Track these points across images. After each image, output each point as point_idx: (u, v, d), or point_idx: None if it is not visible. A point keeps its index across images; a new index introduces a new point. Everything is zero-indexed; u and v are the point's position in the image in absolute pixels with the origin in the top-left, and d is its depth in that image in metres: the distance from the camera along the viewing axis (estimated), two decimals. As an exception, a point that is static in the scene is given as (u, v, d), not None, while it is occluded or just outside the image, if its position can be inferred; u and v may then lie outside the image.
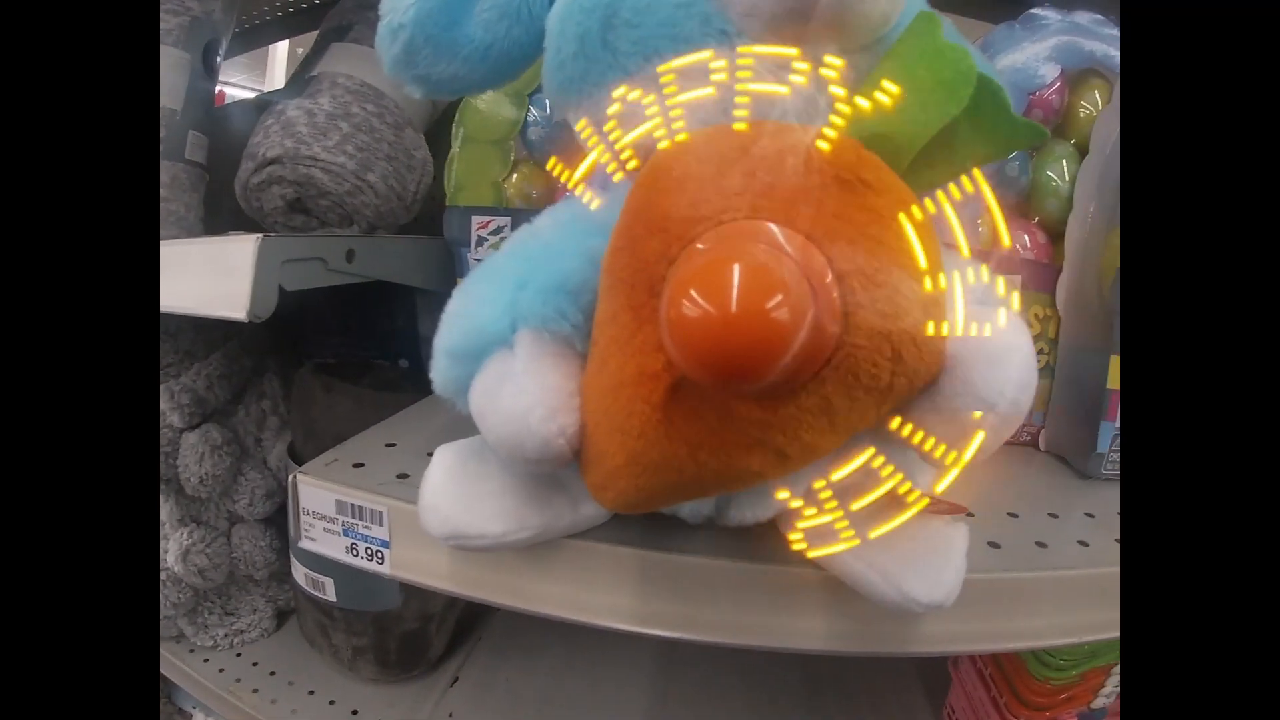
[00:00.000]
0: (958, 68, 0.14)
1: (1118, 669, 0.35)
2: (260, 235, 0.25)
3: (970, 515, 0.26)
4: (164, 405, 0.39)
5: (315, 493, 0.26)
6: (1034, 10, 0.34)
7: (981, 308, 0.16)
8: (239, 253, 0.25)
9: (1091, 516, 0.28)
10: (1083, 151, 0.33)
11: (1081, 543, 0.25)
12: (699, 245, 0.12)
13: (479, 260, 0.35)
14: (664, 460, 0.14)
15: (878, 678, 0.42)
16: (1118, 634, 0.25)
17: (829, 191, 0.12)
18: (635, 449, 0.14)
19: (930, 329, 0.13)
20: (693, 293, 0.10)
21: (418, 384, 0.45)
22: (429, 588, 0.25)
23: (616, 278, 0.14)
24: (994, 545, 0.24)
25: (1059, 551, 0.24)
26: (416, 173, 0.44)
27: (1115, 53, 0.34)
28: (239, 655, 0.46)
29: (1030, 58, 0.33)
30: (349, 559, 0.25)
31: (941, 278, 0.13)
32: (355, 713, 0.41)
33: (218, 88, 0.47)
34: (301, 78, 0.43)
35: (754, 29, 0.17)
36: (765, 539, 0.22)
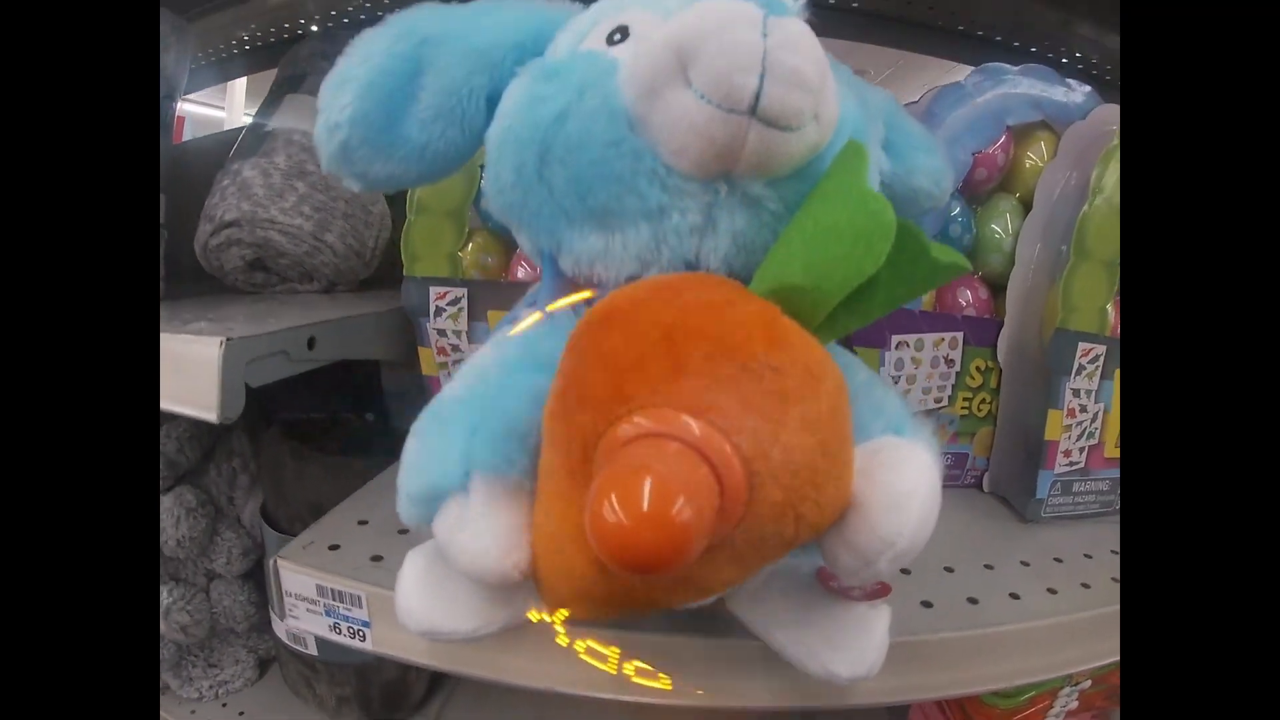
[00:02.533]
0: (878, 220, 0.15)
1: (1064, 692, 0.39)
2: (224, 339, 0.26)
3: (906, 572, 0.29)
4: (134, 471, 0.41)
5: (296, 577, 0.28)
6: (983, 67, 0.36)
7: (894, 445, 0.18)
8: (204, 354, 0.27)
9: (1026, 565, 0.31)
10: (1026, 205, 0.36)
11: (1013, 595, 0.29)
12: (623, 426, 0.14)
13: (439, 330, 0.36)
14: (605, 597, 0.16)
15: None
16: (1045, 677, 0.28)
17: (737, 381, 0.14)
18: (580, 589, 0.16)
19: (835, 488, 0.15)
20: (610, 499, 0.13)
21: (384, 438, 0.47)
22: (411, 663, 0.27)
23: (555, 437, 0.16)
24: (927, 605, 0.27)
25: (989, 607, 0.28)
26: (374, 228, 0.45)
27: (1063, 101, 0.37)
28: (224, 705, 0.48)
29: (977, 116, 0.35)
30: (332, 636, 0.28)
31: (847, 444, 0.16)
32: (342, 759, 0.44)
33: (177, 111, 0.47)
34: (257, 132, 0.44)
35: (683, 166, 0.18)
36: (712, 617, 0.25)
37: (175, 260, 0.46)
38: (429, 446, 0.19)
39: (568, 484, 0.16)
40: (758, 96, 0.16)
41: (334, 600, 0.28)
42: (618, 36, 0.20)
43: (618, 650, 0.18)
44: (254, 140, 0.43)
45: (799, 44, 0.17)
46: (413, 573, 0.22)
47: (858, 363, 0.22)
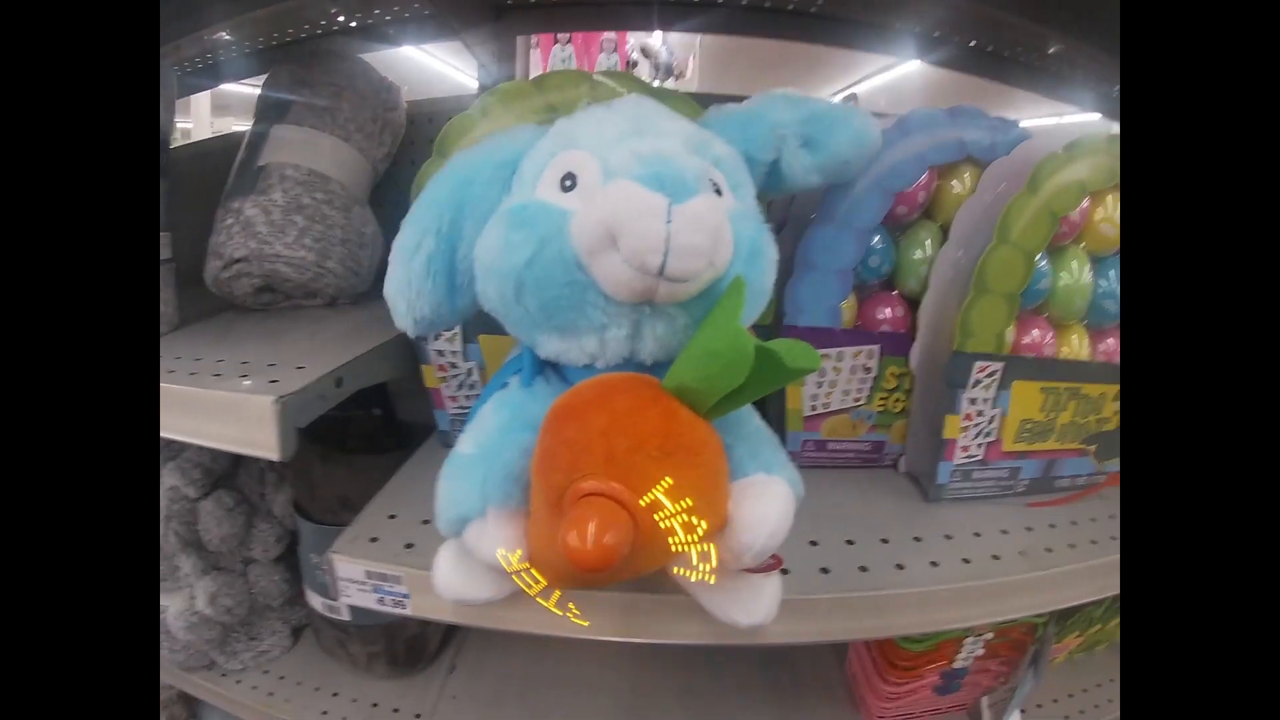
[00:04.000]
0: (742, 351, 0.27)
1: (968, 641, 0.56)
2: (276, 397, 0.40)
3: (814, 544, 0.44)
4: (177, 480, 0.55)
5: (348, 566, 0.43)
6: (912, 112, 0.47)
7: (761, 482, 0.32)
8: (260, 409, 0.40)
9: (918, 540, 0.46)
10: (946, 231, 0.49)
11: (899, 565, 0.44)
12: (582, 484, 0.29)
13: (438, 350, 0.50)
14: (573, 578, 0.31)
15: (796, 650, 0.63)
16: (915, 631, 0.44)
17: (645, 463, 0.28)
18: (558, 573, 0.31)
19: (711, 517, 0.30)
20: (573, 533, 0.27)
21: (393, 433, 0.61)
22: (441, 622, 0.43)
23: (538, 487, 0.30)
24: (825, 570, 0.42)
25: (878, 575, 0.43)
26: (368, 248, 0.58)
27: (988, 140, 0.48)
28: (266, 672, 0.65)
29: (902, 159, 0.46)
30: (379, 608, 0.44)
31: (720, 489, 0.30)
32: (375, 705, 0.62)
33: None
34: (250, 168, 0.55)
35: (618, 298, 0.31)
36: (661, 580, 0.40)
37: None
38: (456, 489, 0.33)
39: (548, 513, 0.30)
40: (663, 266, 0.29)
41: (380, 580, 0.43)
42: (568, 184, 0.32)
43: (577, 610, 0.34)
44: (249, 177, 0.54)
45: (696, 224, 0.29)
46: (446, 561, 0.36)
47: (750, 417, 0.35)
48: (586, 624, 0.35)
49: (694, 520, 0.29)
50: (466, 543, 0.33)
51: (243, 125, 0.60)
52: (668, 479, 0.29)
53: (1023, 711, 0.65)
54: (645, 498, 0.28)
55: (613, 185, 0.30)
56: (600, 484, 0.28)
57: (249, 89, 0.61)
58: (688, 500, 0.29)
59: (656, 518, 0.28)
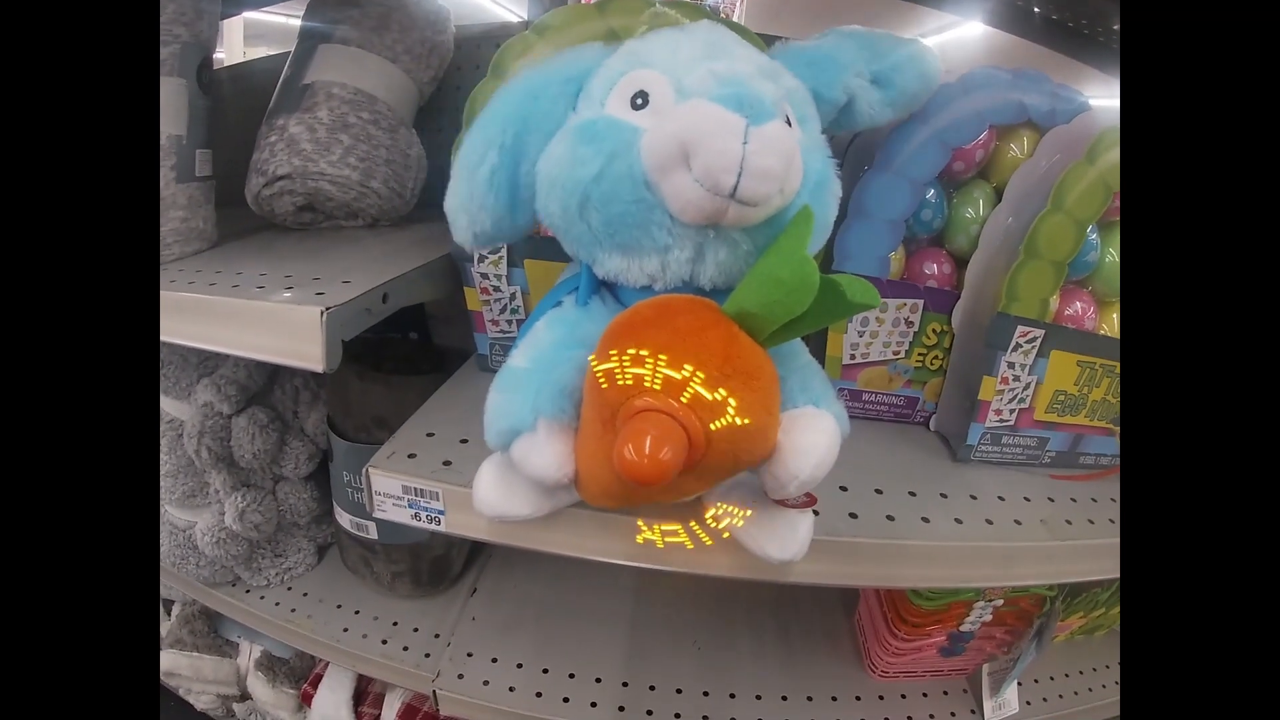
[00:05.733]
0: (807, 280, 0.28)
1: (978, 604, 0.57)
2: (324, 309, 0.40)
3: (844, 489, 0.45)
4: (212, 396, 0.56)
5: (385, 480, 0.44)
6: (977, 70, 0.46)
7: (811, 414, 0.33)
8: (308, 321, 0.40)
9: (945, 497, 0.47)
10: (1000, 193, 0.48)
11: (924, 519, 0.45)
12: (635, 401, 0.29)
13: (482, 274, 0.50)
14: (621, 495, 0.32)
15: (805, 596, 0.65)
16: (932, 585, 0.45)
17: (705, 383, 0.29)
18: (606, 489, 0.32)
19: (762, 442, 0.30)
20: (629, 446, 0.27)
21: (429, 357, 0.62)
22: (475, 539, 0.44)
23: (591, 402, 0.31)
24: (853, 516, 0.43)
25: (903, 524, 0.44)
26: (413, 170, 0.58)
27: (1048, 106, 0.47)
28: (289, 589, 0.68)
29: (963, 116, 0.45)
30: (414, 524, 0.45)
31: (771, 415, 0.31)
32: (395, 623, 0.64)
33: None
34: (295, 85, 0.55)
35: (684, 220, 0.32)
36: (694, 511, 0.41)
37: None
38: (508, 400, 0.33)
39: (600, 429, 0.31)
40: (736, 187, 0.29)
41: (416, 496, 0.44)
42: (639, 102, 0.32)
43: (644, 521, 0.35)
44: (294, 95, 0.54)
45: (772, 148, 0.29)
46: (488, 476, 0.38)
47: (802, 350, 0.36)
48: (642, 526, 0.36)
49: (747, 443, 0.30)
50: (514, 455, 0.34)
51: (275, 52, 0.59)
52: (729, 399, 0.29)
53: (1020, 684, 0.67)
54: (701, 415, 0.29)
55: (690, 103, 0.30)
56: (657, 400, 0.29)
57: (282, 17, 0.60)
58: (741, 420, 0.30)
59: (711, 437, 0.29)
